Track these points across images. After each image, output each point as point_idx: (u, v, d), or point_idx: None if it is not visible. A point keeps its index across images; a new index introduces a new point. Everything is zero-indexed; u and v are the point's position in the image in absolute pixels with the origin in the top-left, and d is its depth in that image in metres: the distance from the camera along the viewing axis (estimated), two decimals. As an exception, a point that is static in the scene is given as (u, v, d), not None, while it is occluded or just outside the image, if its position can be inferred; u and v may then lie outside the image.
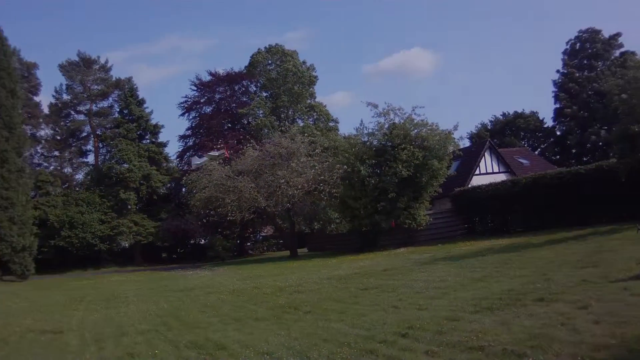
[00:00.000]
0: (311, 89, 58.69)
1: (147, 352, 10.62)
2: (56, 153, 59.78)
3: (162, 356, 10.20)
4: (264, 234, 62.64)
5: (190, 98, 59.54)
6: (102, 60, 63.74)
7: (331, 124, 59.13)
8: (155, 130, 59.95)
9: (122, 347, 11.38)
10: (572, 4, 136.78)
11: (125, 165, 54.78)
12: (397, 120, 35.14)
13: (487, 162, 45.24)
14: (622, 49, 69.22)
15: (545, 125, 78.75)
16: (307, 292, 17.64)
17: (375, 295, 15.03)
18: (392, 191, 32.82)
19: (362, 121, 39.56)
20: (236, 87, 59.53)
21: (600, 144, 65.04)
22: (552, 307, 10.22)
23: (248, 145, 41.96)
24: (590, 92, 67.29)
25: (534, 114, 79.80)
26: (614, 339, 7.57)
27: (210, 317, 14.56)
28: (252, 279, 25.02)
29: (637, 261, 12.83)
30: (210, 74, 59.42)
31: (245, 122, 57.53)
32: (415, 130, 34.45)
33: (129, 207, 54.90)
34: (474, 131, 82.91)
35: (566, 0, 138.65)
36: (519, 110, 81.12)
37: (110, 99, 63.73)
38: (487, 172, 44.10)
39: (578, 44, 71.79)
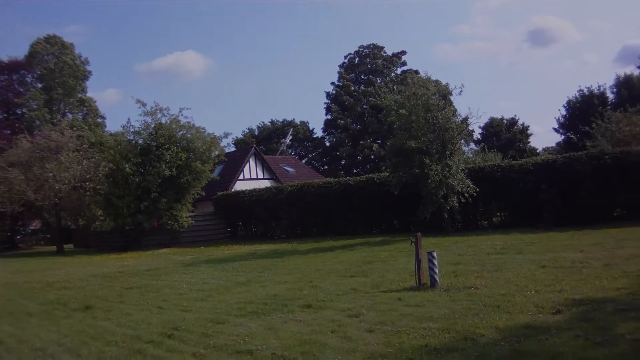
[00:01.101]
0: (84, 83, 57.32)
1: None
2: None
3: None
4: (32, 228, 59.15)
5: None
6: None
7: (99, 119, 58.07)
8: None
9: None
10: (355, 21, 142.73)
11: None
12: (164, 120, 35.06)
13: (252, 168, 45.67)
14: (405, 67, 72.34)
15: (315, 135, 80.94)
16: (75, 288, 17.28)
17: (140, 294, 14.95)
18: (155, 191, 32.49)
19: (129, 119, 39.65)
20: (14, 77, 56.00)
21: (372, 157, 67.32)
22: (321, 314, 10.24)
23: (20, 136, 39.95)
24: (365, 106, 69.39)
25: (304, 123, 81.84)
26: (390, 347, 7.54)
27: None
28: (22, 273, 24.22)
29: (410, 273, 12.78)
30: None
31: (20, 112, 54.73)
32: (181, 132, 34.60)
33: None
34: (241, 136, 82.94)
35: (350, 16, 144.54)
36: (289, 119, 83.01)
37: None
38: (252, 178, 44.45)
39: (357, 59, 73.96)
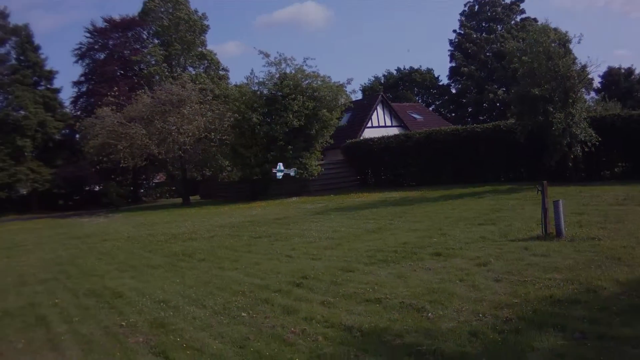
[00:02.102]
0: (202, 37, 56.35)
1: (48, 301, 10.30)
2: (-50, 100, 55.02)
3: (62, 305, 9.87)
4: (157, 181, 60.91)
5: (84, 45, 55.88)
6: (1, 7, 58.39)
7: (221, 72, 57.27)
8: (50, 76, 56.43)
9: (24, 297, 11.01)
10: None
11: (21, 111, 51.60)
12: (288, 70, 33.93)
13: (380, 115, 43.85)
14: (523, 15, 69.55)
15: (441, 83, 78.58)
16: (201, 239, 17.15)
17: (269, 243, 14.59)
18: (282, 140, 31.88)
19: (252, 70, 38.80)
20: (129, 34, 56.33)
21: (498, 104, 65.19)
22: (450, 262, 9.84)
23: (140, 91, 39.86)
24: (488, 54, 67.41)
25: (430, 71, 79.28)
26: (516, 297, 7.25)
27: (107, 264, 14.22)
28: (146, 226, 24.13)
29: (537, 222, 12.19)
30: (105, 20, 55.83)
31: (137, 69, 54.69)
32: (307, 81, 33.41)
33: (25, 154, 51.68)
34: (368, 84, 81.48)
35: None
36: (415, 67, 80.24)
37: (7, 45, 57.85)
38: (380, 125, 42.73)
39: (477, 6, 71.02)
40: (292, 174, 32.94)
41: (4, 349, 7.58)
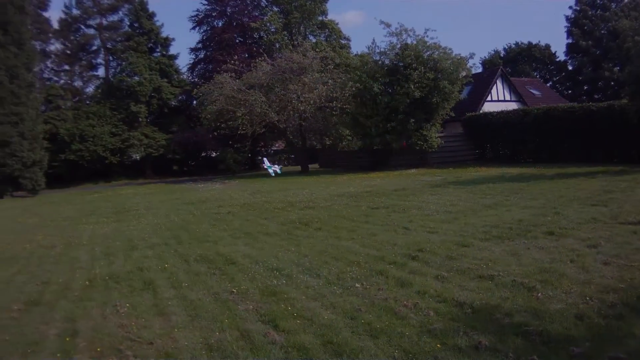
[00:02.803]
0: (323, 5, 56.98)
1: (156, 266, 10.74)
2: (66, 67, 58.91)
3: (171, 270, 10.29)
4: (275, 149, 62.46)
5: (201, 12, 58.45)
6: None
7: (343, 41, 58.08)
8: (166, 43, 59.17)
9: (132, 261, 11.49)
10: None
11: (136, 77, 54.26)
12: (409, 41, 34.80)
13: (499, 90, 44.71)
14: None
15: (558, 59, 77.91)
16: (318, 208, 17.70)
17: (386, 215, 15.07)
18: (403, 111, 32.97)
19: (374, 40, 40.09)
20: (247, 1, 58.35)
21: (613, 83, 64.58)
22: (562, 242, 10.14)
23: (260, 59, 41.52)
24: (603, 31, 66.71)
25: (548, 47, 78.78)
26: (622, 282, 7.45)
27: (221, 230, 14.63)
28: (263, 194, 24.92)
29: None
30: None
31: (257, 36, 56.43)
32: (428, 52, 34.21)
33: (140, 119, 54.64)
34: (487, 57, 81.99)
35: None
36: (533, 42, 79.93)
37: (120, 12, 61.99)
38: (499, 100, 43.74)
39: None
40: (278, 171, 35.91)
41: (107, 312, 7.90)
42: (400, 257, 9.74)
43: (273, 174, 36.86)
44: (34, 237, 16.31)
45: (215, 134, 46.43)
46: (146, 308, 8.09)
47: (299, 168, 44.01)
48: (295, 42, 46.95)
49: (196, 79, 56.44)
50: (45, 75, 58.41)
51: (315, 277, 8.93)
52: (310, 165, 44.23)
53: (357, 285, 8.29)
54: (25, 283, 10.23)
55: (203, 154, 59.33)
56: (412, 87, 32.56)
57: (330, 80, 38.22)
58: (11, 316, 8.15)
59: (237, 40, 56.51)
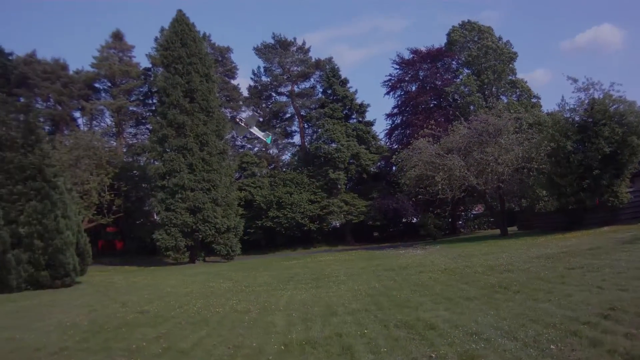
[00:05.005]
0: (511, 65, 62.91)
1: (355, 332, 11.86)
2: (259, 135, 68.46)
3: (371, 336, 11.34)
4: (475, 212, 66.84)
5: (394, 76, 65.35)
6: (299, 42, 70.89)
7: (533, 100, 62.73)
8: (362, 109, 66.06)
9: (331, 326, 12.72)
10: None
11: (333, 144, 60.85)
12: (596, 95, 38.63)
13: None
14: None
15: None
16: (517, 271, 19.02)
17: (581, 274, 16.25)
18: (596, 168, 36.55)
19: (563, 97, 43.86)
20: (439, 64, 64.23)
21: None
22: None
23: (456, 122, 46.73)
24: None
25: None
26: None
27: (422, 296, 15.94)
28: (463, 258, 27.21)
29: None
30: (412, 51, 64.76)
31: (451, 99, 62.12)
32: (614, 106, 37.72)
33: (339, 186, 61.26)
34: None
35: None
36: None
37: (312, 80, 70.73)
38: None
39: None
40: (262, 137, 41.69)
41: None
42: (593, 317, 10.70)
43: (266, 140, 42.89)
44: (227, 301, 18.72)
45: (415, 199, 52.28)
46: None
47: (498, 231, 48.95)
48: (490, 104, 52.31)
49: (394, 145, 62.59)
50: (238, 143, 67.54)
51: (513, 340, 9.84)
52: (508, 228, 48.75)
53: (552, 346, 9.26)
54: (215, 346, 11.86)
55: (403, 220, 64.51)
56: (603, 142, 36.20)
57: (525, 141, 43.28)
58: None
59: (432, 104, 62.98)
